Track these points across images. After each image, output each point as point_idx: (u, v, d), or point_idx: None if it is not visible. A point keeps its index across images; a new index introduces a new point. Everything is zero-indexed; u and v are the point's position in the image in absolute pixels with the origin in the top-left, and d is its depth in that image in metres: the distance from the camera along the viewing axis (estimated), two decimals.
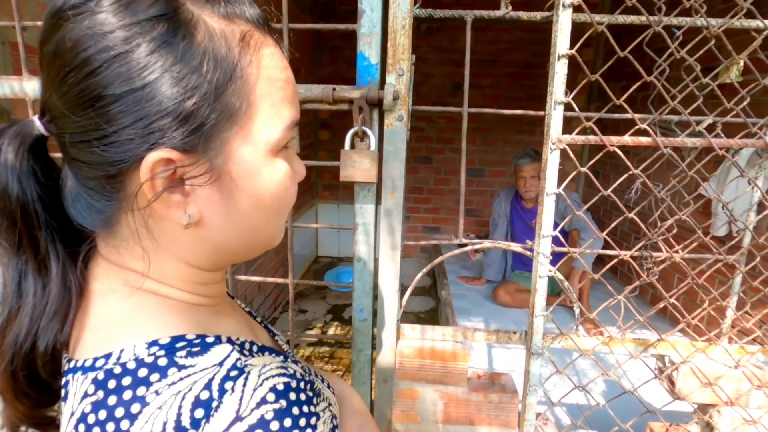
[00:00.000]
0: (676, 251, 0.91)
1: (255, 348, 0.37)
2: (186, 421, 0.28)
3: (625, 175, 0.87)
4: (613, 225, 0.88)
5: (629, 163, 0.84)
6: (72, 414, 0.30)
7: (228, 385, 0.29)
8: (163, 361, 0.30)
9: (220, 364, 0.31)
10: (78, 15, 0.28)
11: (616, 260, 0.89)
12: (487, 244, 0.94)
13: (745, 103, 0.81)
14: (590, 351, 0.92)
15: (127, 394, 0.29)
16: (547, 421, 1.03)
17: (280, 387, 0.30)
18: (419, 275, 0.97)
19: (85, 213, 0.34)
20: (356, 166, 0.81)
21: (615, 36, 0.79)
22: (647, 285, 2.77)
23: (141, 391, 0.29)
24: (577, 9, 0.80)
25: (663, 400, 0.95)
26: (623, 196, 2.88)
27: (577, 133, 0.84)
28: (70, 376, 0.32)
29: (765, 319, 0.93)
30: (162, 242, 0.34)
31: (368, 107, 0.80)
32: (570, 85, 0.77)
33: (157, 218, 0.33)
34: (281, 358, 0.37)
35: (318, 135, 3.97)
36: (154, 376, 0.29)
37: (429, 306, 3.24)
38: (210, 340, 0.33)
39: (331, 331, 2.83)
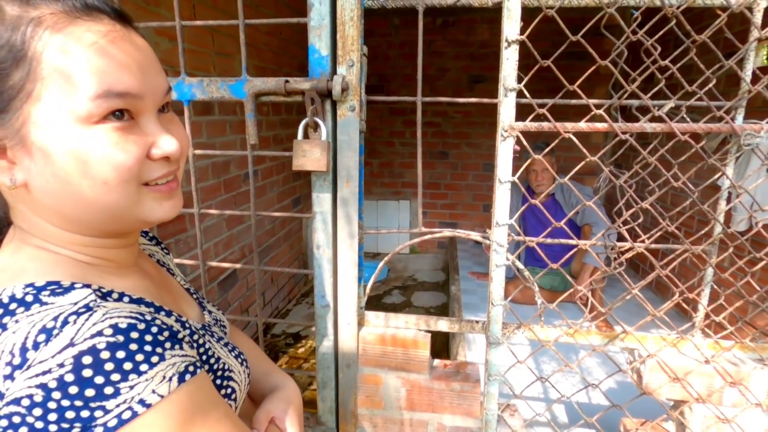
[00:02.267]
0: (643, 241, 0.88)
1: (127, 300, 0.40)
2: (29, 343, 0.33)
3: (582, 163, 0.85)
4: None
5: (585, 151, 0.82)
6: None
7: (72, 318, 0.34)
8: (29, 298, 0.35)
9: (75, 303, 0.35)
10: None
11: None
12: (446, 232, 0.94)
13: (711, 84, 0.78)
14: (551, 342, 0.90)
15: None
16: (515, 412, 1.02)
17: (123, 325, 0.35)
18: (375, 272, 0.98)
19: None
20: (307, 156, 0.83)
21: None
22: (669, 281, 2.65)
23: (6, 320, 0.34)
24: None
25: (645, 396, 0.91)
26: (644, 188, 2.76)
27: (531, 120, 0.83)
28: None
29: (741, 313, 0.88)
30: (22, 206, 0.40)
31: (319, 98, 0.83)
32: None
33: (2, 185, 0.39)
34: (172, 318, 0.42)
35: None
36: (20, 309, 0.35)
37: (440, 301, 3.23)
38: (78, 286, 0.37)
39: None
